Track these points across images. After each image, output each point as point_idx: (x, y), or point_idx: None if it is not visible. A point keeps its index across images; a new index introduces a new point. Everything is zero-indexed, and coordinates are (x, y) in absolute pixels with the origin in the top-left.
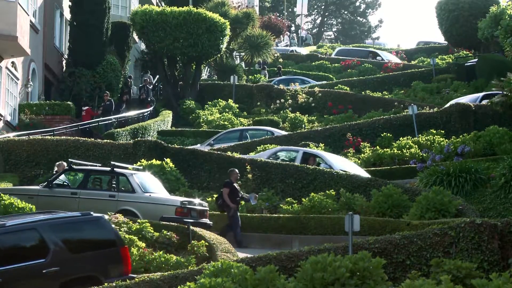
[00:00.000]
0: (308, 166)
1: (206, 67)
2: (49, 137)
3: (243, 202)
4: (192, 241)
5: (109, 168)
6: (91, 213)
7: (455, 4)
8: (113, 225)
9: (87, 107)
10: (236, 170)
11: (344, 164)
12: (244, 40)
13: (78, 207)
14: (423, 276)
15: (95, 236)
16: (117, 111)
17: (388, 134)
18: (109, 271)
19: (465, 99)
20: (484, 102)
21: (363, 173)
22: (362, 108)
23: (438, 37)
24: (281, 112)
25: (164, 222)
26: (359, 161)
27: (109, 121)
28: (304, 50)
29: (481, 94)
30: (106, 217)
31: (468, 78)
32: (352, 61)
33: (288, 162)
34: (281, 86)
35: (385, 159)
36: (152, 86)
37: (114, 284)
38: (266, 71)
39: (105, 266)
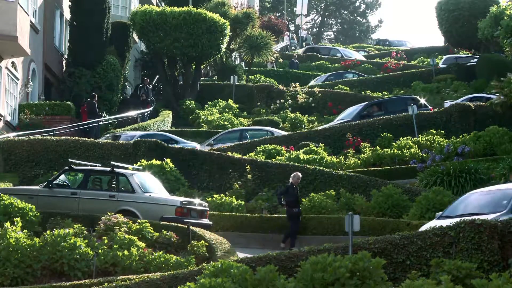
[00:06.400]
0: (308, 166)
1: (207, 67)
2: (49, 137)
3: None
4: (192, 241)
5: (109, 168)
6: None
7: (455, 4)
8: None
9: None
10: None
11: None
12: (244, 40)
13: (78, 207)
14: (423, 276)
15: None
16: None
17: (388, 134)
18: None
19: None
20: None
21: None
22: None
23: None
24: (281, 112)
25: (164, 222)
26: (359, 161)
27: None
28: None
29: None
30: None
31: (468, 78)
32: (352, 61)
33: (288, 163)
34: (281, 87)
35: (385, 159)
36: (152, 86)
37: (114, 284)
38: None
39: None
